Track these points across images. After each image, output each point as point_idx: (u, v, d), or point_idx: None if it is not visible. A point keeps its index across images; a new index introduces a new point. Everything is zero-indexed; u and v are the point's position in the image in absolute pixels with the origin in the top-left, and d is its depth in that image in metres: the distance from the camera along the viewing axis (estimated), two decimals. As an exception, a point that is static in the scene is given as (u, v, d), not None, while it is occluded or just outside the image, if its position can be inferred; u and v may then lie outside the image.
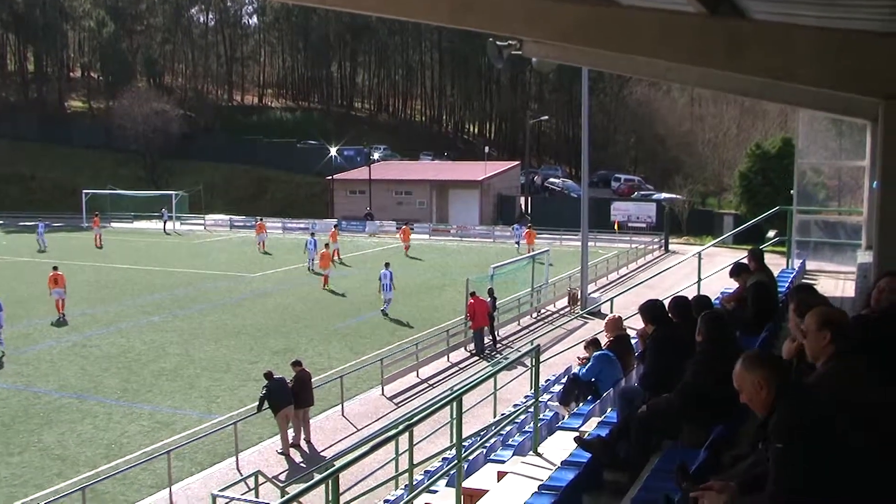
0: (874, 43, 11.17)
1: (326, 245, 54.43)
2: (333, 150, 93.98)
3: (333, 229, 64.55)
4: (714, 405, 8.43)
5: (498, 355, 34.23)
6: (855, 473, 4.84)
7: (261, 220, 74.22)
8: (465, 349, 34.90)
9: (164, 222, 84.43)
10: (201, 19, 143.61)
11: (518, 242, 68.95)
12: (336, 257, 58.29)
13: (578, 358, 15.99)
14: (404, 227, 69.09)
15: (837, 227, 23.74)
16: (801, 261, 22.25)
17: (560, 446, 10.77)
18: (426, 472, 16.24)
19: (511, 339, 37.38)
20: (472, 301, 34.47)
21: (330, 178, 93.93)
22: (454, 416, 9.64)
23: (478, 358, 33.95)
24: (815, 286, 12.18)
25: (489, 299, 35.60)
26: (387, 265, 43.20)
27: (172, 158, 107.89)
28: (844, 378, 5.74)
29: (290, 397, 23.74)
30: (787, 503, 4.83)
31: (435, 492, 11.74)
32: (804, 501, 4.81)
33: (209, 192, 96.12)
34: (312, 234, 59.90)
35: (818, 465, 4.79)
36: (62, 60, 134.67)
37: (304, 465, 23.18)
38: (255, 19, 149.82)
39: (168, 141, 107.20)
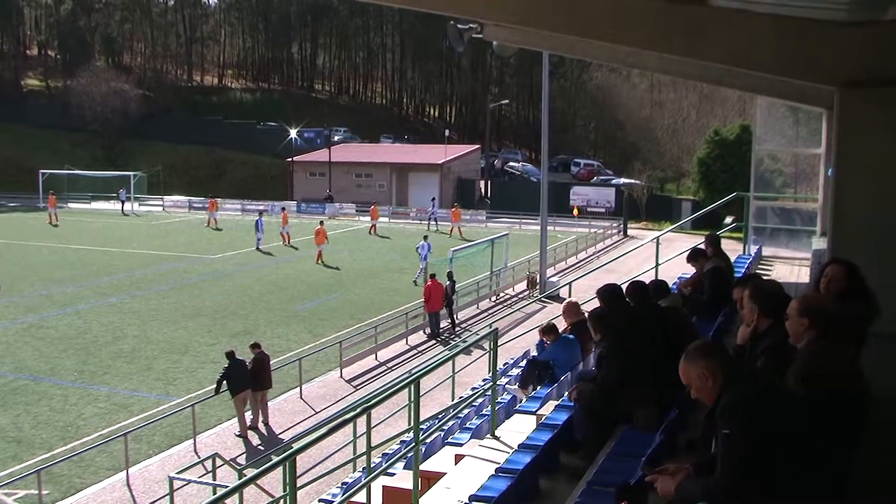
0: (830, 31, 11.28)
1: (321, 222, 55.61)
2: (293, 132, 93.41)
3: (283, 212, 64.17)
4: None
5: (456, 338, 34.28)
6: (802, 457, 4.91)
7: (212, 196, 75.52)
8: (424, 332, 34.96)
9: (122, 203, 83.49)
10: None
11: (432, 219, 69.85)
12: (286, 243, 58.76)
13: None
14: (373, 206, 70.34)
15: (793, 214, 24.00)
16: (757, 247, 22.46)
17: (517, 429, 10.83)
18: (384, 454, 16.29)
19: (470, 322, 37.47)
20: (428, 283, 34.53)
21: (290, 159, 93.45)
22: (412, 399, 9.66)
23: (436, 341, 34.01)
24: (768, 273, 12.32)
25: (448, 282, 35.66)
26: (425, 238, 46.32)
27: (131, 139, 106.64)
28: (825, 355, 5.94)
29: (248, 381, 23.68)
30: (736, 486, 4.90)
31: (393, 474, 11.78)
32: (752, 485, 4.88)
33: (168, 172, 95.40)
34: (260, 214, 60.01)
35: (765, 449, 4.85)
36: (18, 38, 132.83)
37: (262, 448, 23.16)
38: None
39: (126, 121, 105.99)
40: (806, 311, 6.28)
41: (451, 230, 64.82)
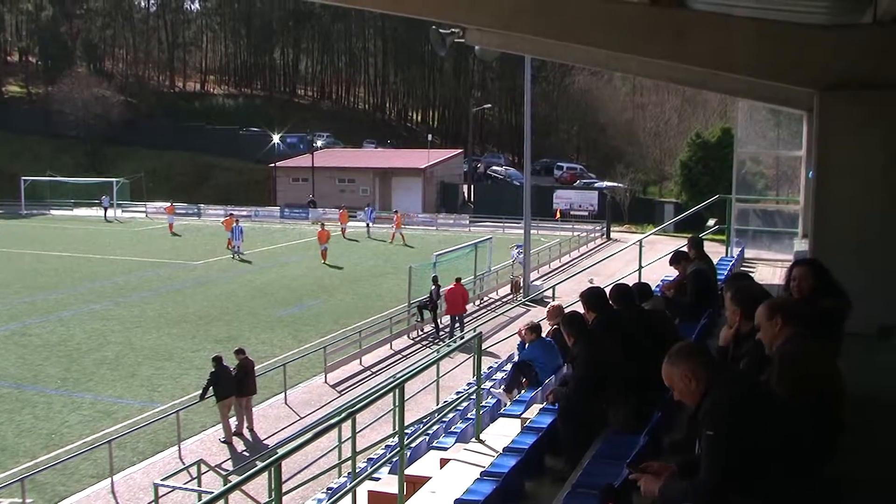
0: (810, 35, 11.36)
1: (322, 224, 56.21)
2: (276, 138, 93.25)
3: (228, 217, 63.54)
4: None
5: (441, 342, 34.29)
6: (785, 458, 4.94)
7: (171, 203, 76.38)
8: (409, 336, 35.02)
9: (105, 209, 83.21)
10: (142, 4, 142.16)
11: (368, 226, 68.99)
12: (228, 247, 58.04)
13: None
14: (342, 210, 70.28)
15: (775, 216, 24.11)
16: (739, 249, 22.56)
17: (502, 433, 10.85)
18: (369, 459, 16.30)
19: (454, 326, 37.45)
20: (451, 287, 35.11)
21: (273, 165, 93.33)
22: (397, 404, 9.67)
23: (421, 345, 34.08)
24: (751, 274, 12.39)
25: (433, 287, 35.73)
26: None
27: (113, 145, 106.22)
28: (805, 352, 6.02)
29: (233, 386, 23.64)
30: (719, 487, 4.93)
31: (378, 479, 11.78)
32: (736, 486, 4.91)
33: (151, 178, 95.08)
34: (237, 221, 59.06)
35: (749, 450, 4.88)
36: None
37: (247, 454, 23.11)
38: (196, 4, 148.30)
39: (109, 127, 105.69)
40: (775, 310, 6.37)
41: (393, 236, 64.82)
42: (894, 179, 11.39)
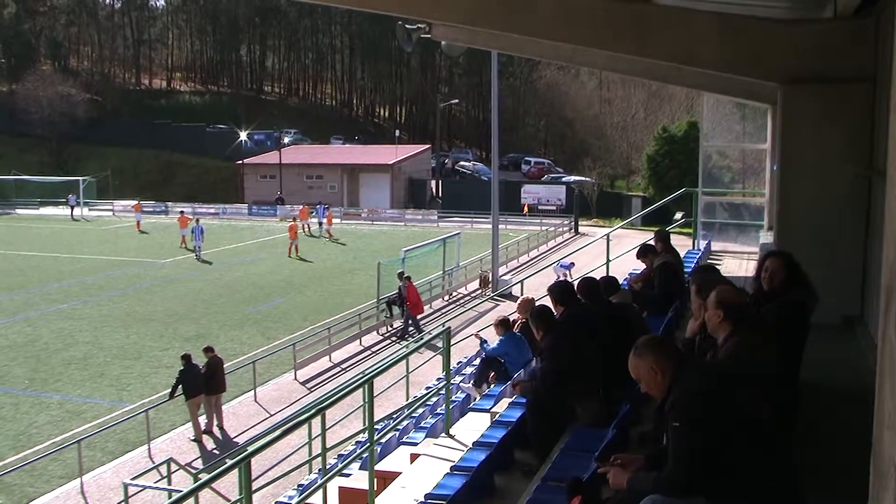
0: (772, 29, 11.45)
1: (294, 219, 56.97)
2: (243, 135, 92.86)
3: (181, 214, 63.23)
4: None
5: (410, 338, 34.30)
6: (750, 448, 4.99)
7: (139, 201, 76.35)
8: (378, 332, 35.02)
9: (72, 208, 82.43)
10: (107, 0, 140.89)
11: (321, 223, 68.34)
12: (181, 244, 58.12)
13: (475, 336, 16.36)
14: (302, 207, 70.18)
15: (741, 209, 24.28)
16: (706, 241, 22.67)
17: (472, 427, 10.90)
18: (339, 455, 16.31)
19: (423, 321, 37.43)
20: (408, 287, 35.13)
21: (240, 162, 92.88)
22: (366, 400, 9.68)
23: (390, 341, 34.08)
24: (718, 266, 12.48)
25: (401, 283, 35.74)
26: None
27: (79, 143, 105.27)
28: (742, 353, 6.04)
29: (202, 385, 23.58)
30: (686, 479, 4.97)
31: (348, 475, 11.80)
32: (702, 476, 4.95)
33: (118, 177, 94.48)
34: (197, 221, 58.13)
35: (714, 441, 4.93)
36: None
37: (217, 452, 23.05)
38: (161, 1, 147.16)
39: (74, 125, 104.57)
40: (720, 303, 6.44)
41: (329, 233, 64.88)
42: (854, 172, 11.51)
